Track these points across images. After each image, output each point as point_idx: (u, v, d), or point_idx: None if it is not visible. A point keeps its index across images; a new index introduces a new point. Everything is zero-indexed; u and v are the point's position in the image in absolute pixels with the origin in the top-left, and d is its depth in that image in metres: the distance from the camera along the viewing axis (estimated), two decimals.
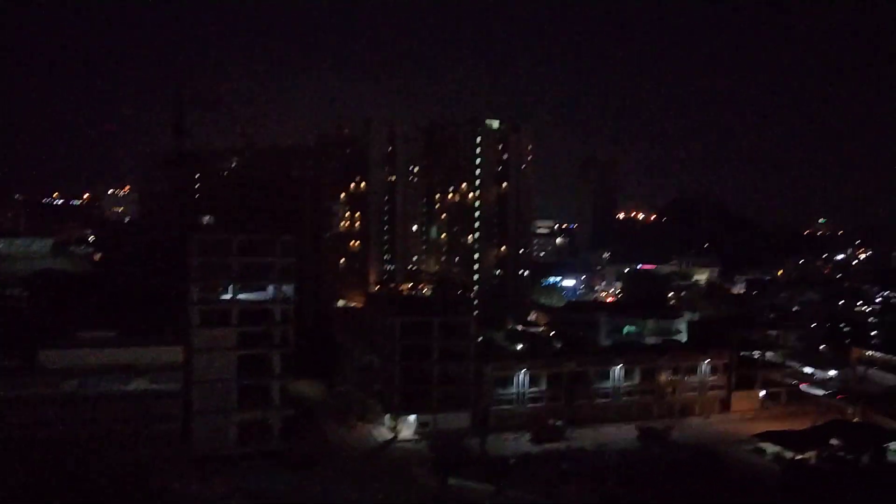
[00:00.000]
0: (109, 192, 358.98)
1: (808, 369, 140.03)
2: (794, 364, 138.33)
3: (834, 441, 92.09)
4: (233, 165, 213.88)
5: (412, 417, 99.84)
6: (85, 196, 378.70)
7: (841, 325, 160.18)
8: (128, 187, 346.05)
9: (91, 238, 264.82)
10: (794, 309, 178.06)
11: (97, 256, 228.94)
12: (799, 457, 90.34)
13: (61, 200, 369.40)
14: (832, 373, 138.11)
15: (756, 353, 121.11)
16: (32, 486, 66.97)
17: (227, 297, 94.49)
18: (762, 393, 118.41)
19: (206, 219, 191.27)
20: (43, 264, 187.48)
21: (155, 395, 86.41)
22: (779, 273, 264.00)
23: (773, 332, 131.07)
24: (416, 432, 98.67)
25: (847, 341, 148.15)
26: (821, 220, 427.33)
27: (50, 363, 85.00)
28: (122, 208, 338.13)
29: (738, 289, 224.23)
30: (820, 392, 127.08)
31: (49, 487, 66.50)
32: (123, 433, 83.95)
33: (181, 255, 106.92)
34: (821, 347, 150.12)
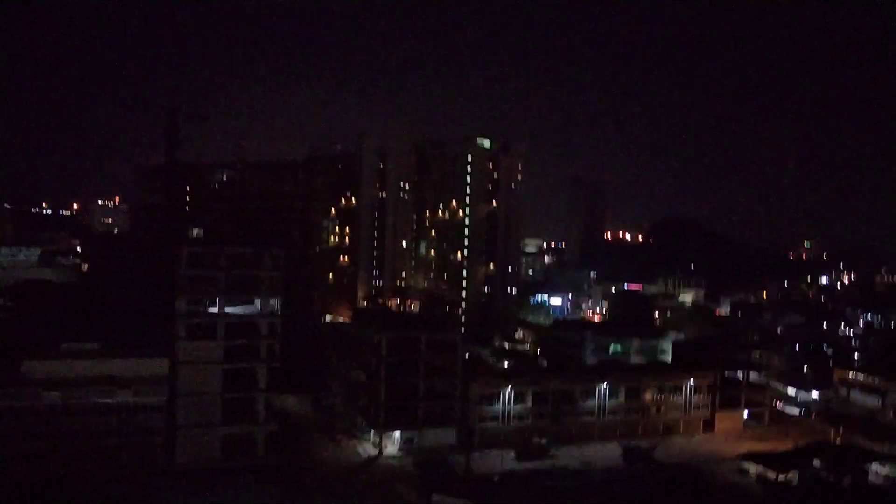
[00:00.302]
0: (99, 203, 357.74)
1: (791, 390, 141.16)
2: (778, 385, 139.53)
3: (816, 462, 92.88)
4: (224, 178, 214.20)
5: (397, 433, 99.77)
6: (74, 206, 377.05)
7: (824, 348, 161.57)
8: (117, 198, 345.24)
9: (79, 249, 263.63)
10: (778, 330, 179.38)
11: (84, 267, 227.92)
12: (782, 477, 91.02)
13: (50, 210, 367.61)
14: (815, 394, 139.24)
15: (740, 374, 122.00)
16: (14, 497, 66.49)
17: (214, 309, 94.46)
18: (746, 413, 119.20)
19: (195, 231, 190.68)
20: (30, 274, 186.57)
21: (139, 407, 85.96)
22: (763, 295, 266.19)
23: (757, 353, 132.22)
24: (400, 448, 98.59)
25: (830, 363, 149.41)
26: (805, 243, 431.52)
27: (33, 374, 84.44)
28: (110, 219, 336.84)
29: (723, 310, 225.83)
30: (803, 413, 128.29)
31: (31, 498, 66.04)
32: (106, 446, 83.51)
33: (169, 268, 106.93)
34: (804, 369, 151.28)
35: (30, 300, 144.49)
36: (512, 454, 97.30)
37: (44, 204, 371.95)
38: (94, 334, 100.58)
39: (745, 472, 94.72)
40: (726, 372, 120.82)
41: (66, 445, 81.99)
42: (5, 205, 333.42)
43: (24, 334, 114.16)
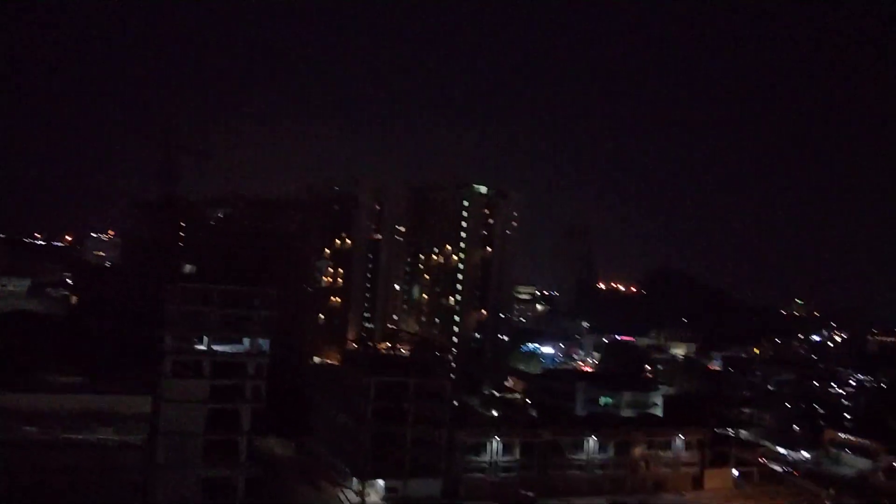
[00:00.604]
0: (93, 236, 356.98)
1: (781, 449, 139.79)
2: (768, 443, 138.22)
3: None
4: (219, 215, 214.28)
5: (381, 482, 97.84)
6: (67, 238, 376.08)
7: (815, 406, 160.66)
8: (111, 232, 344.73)
9: (69, 280, 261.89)
10: (769, 388, 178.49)
11: (74, 299, 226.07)
12: None
13: (44, 241, 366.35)
14: (805, 454, 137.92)
15: (731, 431, 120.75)
16: None
17: (202, 347, 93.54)
18: (735, 471, 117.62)
19: (187, 268, 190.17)
20: (17, 305, 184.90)
21: (119, 445, 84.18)
22: (755, 351, 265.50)
23: (748, 411, 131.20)
24: (384, 497, 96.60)
25: (821, 423, 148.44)
26: (798, 301, 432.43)
27: (11, 406, 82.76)
28: (103, 252, 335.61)
29: (715, 365, 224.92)
30: (793, 473, 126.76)
31: None
32: (83, 483, 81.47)
33: (159, 303, 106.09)
34: (794, 428, 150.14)
35: (14, 331, 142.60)
36: None
37: (37, 234, 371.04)
38: (78, 367, 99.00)
39: None
40: (717, 428, 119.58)
41: (42, 480, 79.95)
42: None
43: (4, 366, 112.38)
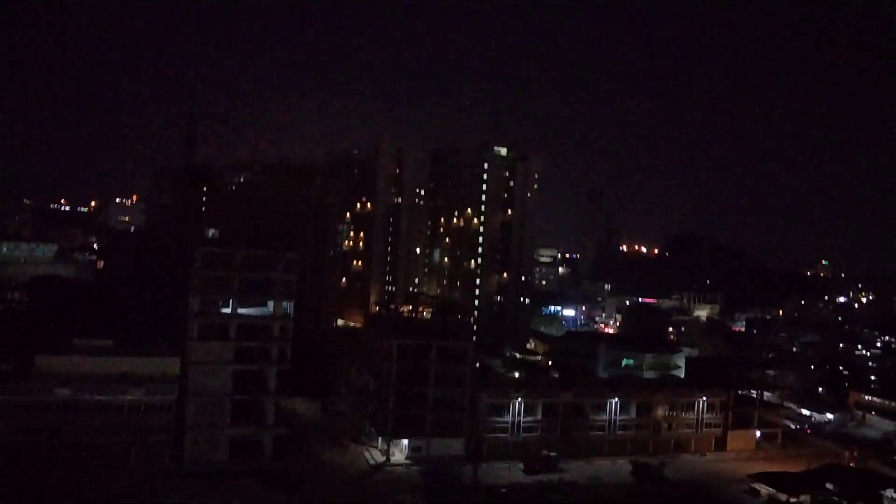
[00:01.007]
0: (117, 201, 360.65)
1: (805, 411, 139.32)
2: (792, 405, 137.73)
3: (829, 485, 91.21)
4: (241, 180, 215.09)
5: (405, 441, 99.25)
6: (92, 203, 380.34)
7: (840, 369, 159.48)
8: (135, 197, 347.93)
9: (95, 246, 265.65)
10: (793, 349, 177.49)
11: (100, 264, 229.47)
12: (793, 500, 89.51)
13: (68, 207, 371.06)
14: (829, 416, 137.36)
15: (754, 393, 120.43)
16: (21, 492, 66.67)
17: (227, 310, 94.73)
18: (758, 433, 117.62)
19: (211, 232, 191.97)
20: (46, 270, 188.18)
21: (149, 406, 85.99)
22: (779, 313, 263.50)
23: (772, 373, 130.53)
24: (408, 457, 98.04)
25: (846, 385, 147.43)
26: (824, 262, 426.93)
27: (46, 369, 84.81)
28: (128, 217, 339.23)
29: (738, 326, 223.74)
30: (817, 435, 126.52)
31: (38, 494, 66.18)
32: (115, 443, 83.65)
33: (184, 267, 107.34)
34: (819, 390, 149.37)
35: (45, 296, 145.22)
36: (520, 466, 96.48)
37: (62, 200, 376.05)
38: (107, 331, 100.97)
39: (755, 493, 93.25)
40: (740, 390, 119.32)
41: (76, 442, 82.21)
42: (25, 200, 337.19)
43: (38, 329, 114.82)
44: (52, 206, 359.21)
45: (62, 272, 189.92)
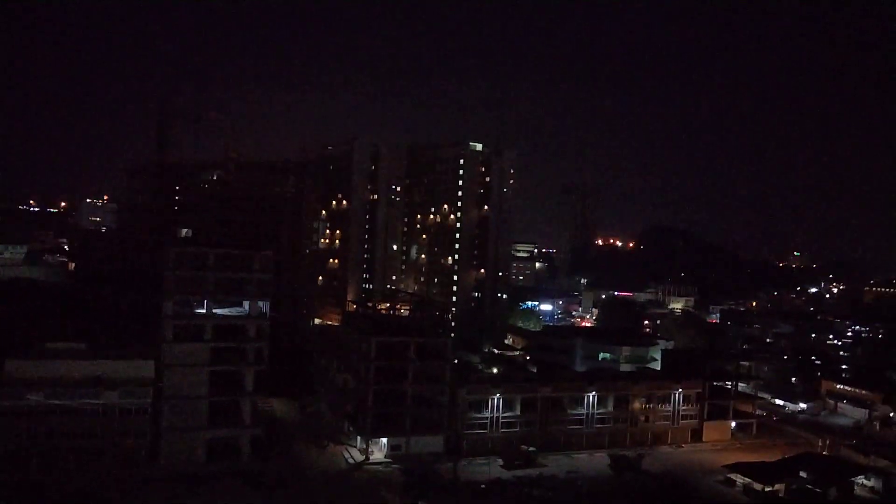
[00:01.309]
0: (88, 201, 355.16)
1: (779, 401, 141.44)
2: (766, 395, 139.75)
3: (803, 474, 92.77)
4: (214, 178, 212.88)
5: (384, 440, 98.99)
6: (62, 204, 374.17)
7: (812, 358, 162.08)
8: (106, 197, 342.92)
9: (66, 247, 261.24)
10: (767, 340, 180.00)
11: (71, 266, 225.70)
12: (768, 489, 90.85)
13: (38, 208, 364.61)
14: (802, 405, 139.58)
15: (729, 384, 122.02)
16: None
17: (202, 311, 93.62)
18: (734, 424, 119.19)
19: (184, 231, 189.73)
20: (15, 272, 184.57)
21: (124, 409, 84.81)
22: (753, 304, 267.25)
23: (746, 364, 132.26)
24: (387, 455, 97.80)
25: (818, 374, 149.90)
26: (795, 254, 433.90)
27: (17, 373, 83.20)
28: (99, 218, 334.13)
29: (713, 318, 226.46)
30: (790, 424, 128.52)
31: (14, 499, 64.94)
32: (90, 447, 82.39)
33: (157, 267, 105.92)
34: (792, 379, 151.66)
35: (15, 299, 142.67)
36: (499, 462, 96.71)
37: (32, 201, 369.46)
38: (80, 334, 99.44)
39: (731, 484, 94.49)
40: (715, 381, 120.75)
41: (49, 446, 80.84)
42: None
43: (8, 333, 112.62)
44: (21, 206, 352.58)
45: (33, 274, 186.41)
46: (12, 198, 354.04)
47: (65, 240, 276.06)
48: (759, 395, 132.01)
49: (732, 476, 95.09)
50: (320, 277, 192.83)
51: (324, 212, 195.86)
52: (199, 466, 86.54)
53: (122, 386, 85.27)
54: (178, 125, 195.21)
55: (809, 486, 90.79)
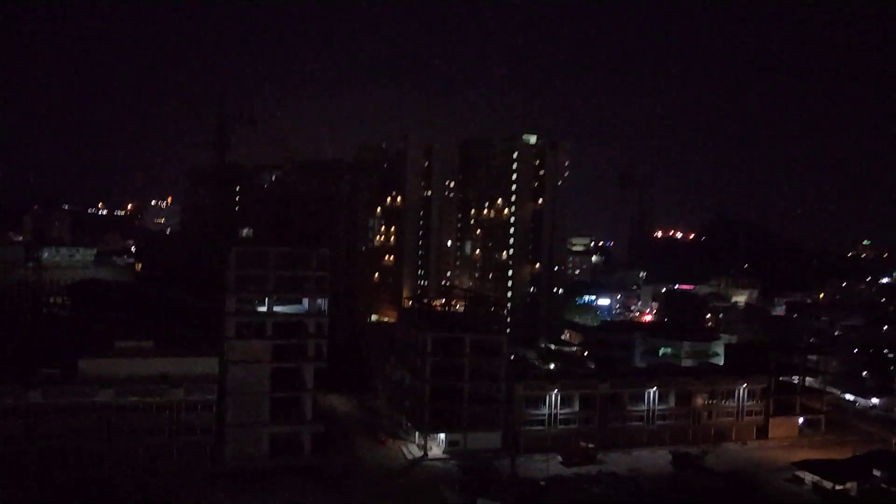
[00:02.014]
0: (152, 204, 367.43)
1: (849, 396, 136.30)
2: (835, 391, 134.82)
3: (876, 472, 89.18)
4: (272, 179, 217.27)
5: (442, 436, 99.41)
6: (128, 207, 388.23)
7: (884, 352, 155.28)
8: (170, 199, 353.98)
9: (132, 248, 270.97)
10: (835, 333, 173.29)
11: (138, 266, 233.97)
12: (839, 487, 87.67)
13: (105, 211, 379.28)
14: (875, 401, 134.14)
15: (795, 379, 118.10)
16: (67, 493, 68.26)
17: (263, 309, 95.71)
18: (801, 420, 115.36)
19: (245, 231, 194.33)
20: (86, 274, 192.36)
21: (189, 406, 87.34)
22: (820, 296, 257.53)
23: (814, 358, 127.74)
24: (445, 451, 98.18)
25: (890, 368, 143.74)
26: (865, 243, 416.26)
27: (89, 372, 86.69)
28: (163, 220, 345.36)
29: (778, 311, 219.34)
30: (862, 420, 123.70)
31: (83, 494, 67.70)
32: (158, 444, 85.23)
33: (219, 267, 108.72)
34: (863, 374, 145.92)
35: (86, 299, 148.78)
36: (558, 459, 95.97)
37: (100, 205, 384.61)
38: (146, 333, 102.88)
39: (799, 482, 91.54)
40: (781, 376, 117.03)
41: (119, 443, 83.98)
42: (64, 206, 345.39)
43: (80, 332, 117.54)
44: (89, 210, 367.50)
45: (102, 275, 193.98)
46: (82, 202, 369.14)
47: (131, 241, 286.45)
48: (828, 390, 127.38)
49: (801, 474, 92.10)
50: (376, 274, 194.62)
51: (378, 209, 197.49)
52: (262, 462, 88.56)
53: (187, 383, 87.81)
54: (235, 127, 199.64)
55: (884, 486, 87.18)
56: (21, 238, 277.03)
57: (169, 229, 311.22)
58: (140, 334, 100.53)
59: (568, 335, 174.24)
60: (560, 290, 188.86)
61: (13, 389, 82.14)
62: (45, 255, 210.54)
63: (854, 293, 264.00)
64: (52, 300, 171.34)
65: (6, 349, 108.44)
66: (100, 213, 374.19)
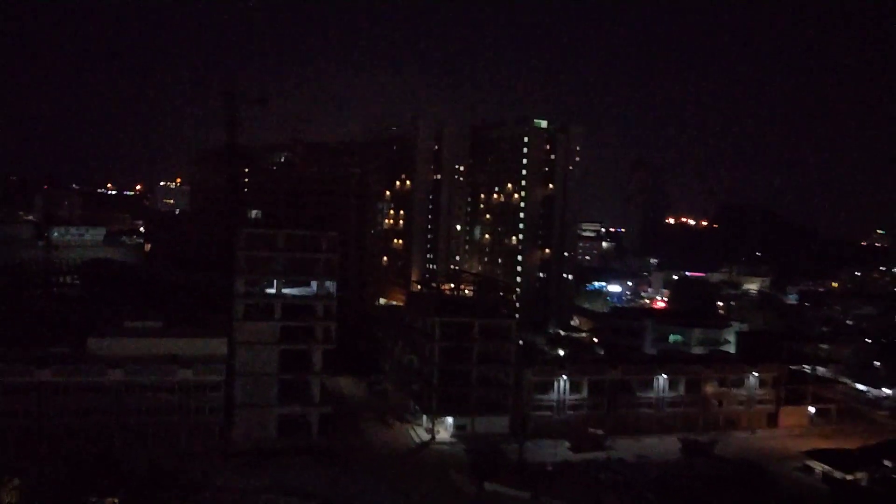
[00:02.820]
0: (161, 184, 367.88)
1: (861, 386, 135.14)
2: (847, 380, 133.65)
3: (887, 462, 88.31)
4: (281, 160, 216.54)
5: (450, 420, 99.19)
6: (137, 187, 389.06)
7: None
8: (178, 179, 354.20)
9: (142, 229, 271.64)
10: (848, 322, 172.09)
11: (147, 247, 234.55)
12: (849, 477, 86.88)
13: (115, 191, 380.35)
14: (887, 391, 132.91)
15: (807, 368, 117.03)
16: (77, 472, 68.37)
17: (272, 291, 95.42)
18: (812, 409, 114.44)
19: (254, 213, 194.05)
20: (95, 253, 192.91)
21: (199, 386, 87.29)
22: (833, 285, 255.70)
23: (826, 347, 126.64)
24: (453, 435, 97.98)
25: None
26: (879, 231, 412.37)
27: (99, 351, 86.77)
28: (172, 200, 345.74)
29: (791, 299, 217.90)
30: (874, 410, 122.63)
31: (92, 474, 67.79)
32: (167, 423, 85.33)
33: (228, 248, 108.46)
34: (876, 364, 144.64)
35: (95, 279, 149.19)
36: (566, 444, 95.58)
37: (109, 185, 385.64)
38: (156, 313, 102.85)
39: (809, 471, 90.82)
40: (792, 365, 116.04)
41: (129, 422, 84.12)
42: (73, 185, 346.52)
43: (89, 312, 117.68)
44: (99, 190, 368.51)
45: (111, 255, 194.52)
46: (91, 182, 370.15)
47: (140, 222, 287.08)
48: (840, 379, 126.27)
49: (811, 463, 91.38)
50: (385, 258, 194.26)
51: (388, 192, 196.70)
52: (270, 442, 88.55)
53: (196, 363, 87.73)
54: (244, 108, 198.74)
55: (894, 476, 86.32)
56: (31, 217, 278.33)
57: (178, 210, 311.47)
58: (149, 314, 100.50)
59: (577, 321, 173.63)
60: (570, 276, 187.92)
61: (23, 368, 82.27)
62: (55, 234, 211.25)
63: (868, 282, 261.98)
64: (62, 279, 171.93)
65: (16, 328, 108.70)
66: (109, 192, 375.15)
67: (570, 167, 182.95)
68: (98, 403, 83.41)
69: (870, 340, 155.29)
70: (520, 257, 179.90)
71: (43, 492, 66.45)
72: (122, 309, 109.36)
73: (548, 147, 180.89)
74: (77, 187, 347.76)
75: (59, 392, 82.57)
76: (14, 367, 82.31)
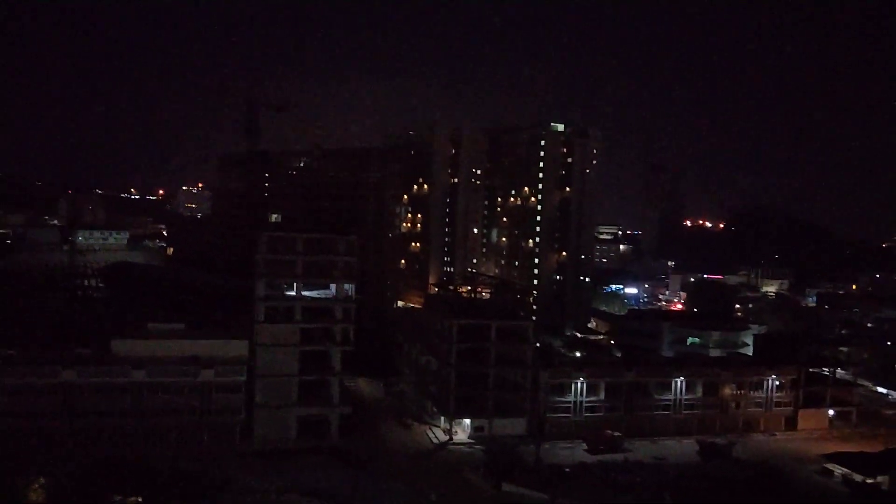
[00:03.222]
0: (184, 189, 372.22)
1: (881, 389, 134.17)
2: (867, 383, 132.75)
3: None
4: (301, 165, 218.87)
5: (467, 421, 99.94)
6: (160, 192, 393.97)
7: None
8: (201, 184, 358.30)
9: (164, 233, 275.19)
10: (868, 325, 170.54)
11: (170, 250, 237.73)
12: (870, 480, 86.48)
13: (138, 195, 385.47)
14: None
15: (826, 371, 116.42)
16: (101, 471, 69.94)
17: (292, 293, 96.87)
18: (831, 412, 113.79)
19: (274, 217, 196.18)
20: (119, 257, 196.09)
21: (219, 387, 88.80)
22: (853, 287, 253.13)
23: (845, 349, 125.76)
24: (471, 436, 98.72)
25: None
26: None
27: (122, 352, 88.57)
28: (194, 205, 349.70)
29: (809, 302, 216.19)
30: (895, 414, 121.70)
31: (116, 473, 69.33)
32: (188, 424, 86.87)
33: (249, 252, 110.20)
34: None
35: (119, 281, 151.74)
36: (583, 446, 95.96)
37: (132, 189, 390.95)
38: (178, 315, 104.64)
39: (829, 474, 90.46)
40: (811, 368, 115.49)
41: (151, 422, 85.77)
42: (97, 190, 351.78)
43: (113, 314, 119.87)
44: (122, 195, 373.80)
45: (134, 258, 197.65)
46: (115, 187, 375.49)
47: (163, 226, 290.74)
48: (860, 382, 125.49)
49: (830, 466, 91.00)
50: (402, 261, 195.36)
51: (405, 196, 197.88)
52: (290, 443, 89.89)
53: (217, 365, 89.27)
54: (265, 114, 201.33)
55: None
56: (56, 222, 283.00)
57: (200, 214, 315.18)
58: (172, 316, 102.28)
59: (595, 323, 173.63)
60: (587, 279, 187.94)
61: (49, 369, 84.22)
62: (80, 238, 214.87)
63: (888, 285, 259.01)
64: (86, 282, 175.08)
65: (42, 329, 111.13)
66: (132, 197, 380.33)
67: (587, 170, 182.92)
68: (121, 404, 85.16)
69: (890, 343, 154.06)
70: (537, 260, 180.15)
71: (68, 491, 68.02)
72: (146, 311, 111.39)
73: (564, 150, 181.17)
74: (101, 192, 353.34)
75: (83, 392, 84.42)
76: (40, 368, 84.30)
